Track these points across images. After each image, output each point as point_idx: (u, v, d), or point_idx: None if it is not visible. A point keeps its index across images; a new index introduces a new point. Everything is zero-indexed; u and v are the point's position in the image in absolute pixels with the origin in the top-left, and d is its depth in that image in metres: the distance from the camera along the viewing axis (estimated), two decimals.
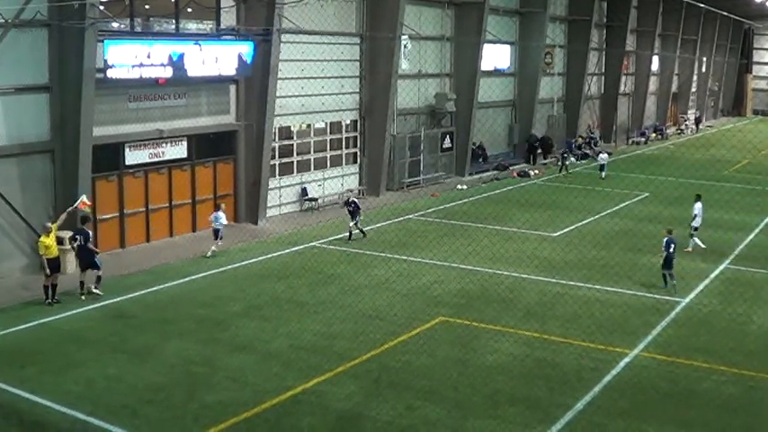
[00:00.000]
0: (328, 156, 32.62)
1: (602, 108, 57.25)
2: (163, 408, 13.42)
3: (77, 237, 19.57)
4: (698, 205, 25.15)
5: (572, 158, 46.32)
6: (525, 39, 44.38)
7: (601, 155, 42.50)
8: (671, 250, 20.45)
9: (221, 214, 24.04)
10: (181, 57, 24.20)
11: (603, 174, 40.44)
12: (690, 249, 24.62)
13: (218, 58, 25.54)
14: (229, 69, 26.10)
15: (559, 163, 42.50)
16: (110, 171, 23.82)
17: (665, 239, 20.74)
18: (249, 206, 28.19)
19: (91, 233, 20.10)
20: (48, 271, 18.83)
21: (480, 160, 41.39)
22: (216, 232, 23.72)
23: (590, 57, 52.01)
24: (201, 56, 24.92)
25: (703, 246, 24.94)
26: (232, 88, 27.56)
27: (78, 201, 20.37)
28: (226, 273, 22.02)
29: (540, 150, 45.74)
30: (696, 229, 24.99)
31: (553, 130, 49.48)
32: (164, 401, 13.66)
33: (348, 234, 25.90)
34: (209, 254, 23.38)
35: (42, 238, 19.06)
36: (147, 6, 25.12)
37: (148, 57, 23.20)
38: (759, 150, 50.05)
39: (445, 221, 29.35)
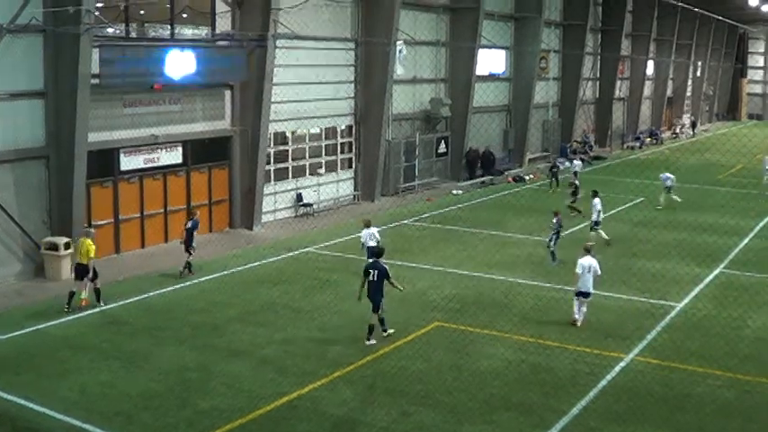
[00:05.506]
0: (323, 161, 32.62)
1: (598, 113, 57.41)
2: (157, 414, 13.39)
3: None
4: (595, 200, 26.22)
5: (567, 164, 46.21)
6: (520, 43, 44.48)
7: (575, 161, 39.35)
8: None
9: (374, 231, 21.64)
10: (176, 62, 24.19)
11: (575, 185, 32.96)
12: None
13: (214, 63, 25.52)
14: (224, 75, 26.07)
15: (551, 178, 37.55)
16: (105, 177, 23.81)
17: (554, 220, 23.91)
18: (244, 212, 28.17)
19: None
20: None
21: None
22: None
23: (585, 61, 52.15)
24: (197, 61, 24.90)
25: (606, 237, 25.91)
26: (227, 94, 27.56)
27: None
28: (221, 279, 21.98)
29: (480, 166, 40.86)
30: (597, 223, 26.09)
31: (548, 134, 49.60)
32: (158, 408, 13.63)
33: None
34: None
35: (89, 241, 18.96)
36: (142, 12, 25.12)
37: (143, 62, 23.18)
38: (754, 155, 50.08)
39: (440, 226, 29.35)
